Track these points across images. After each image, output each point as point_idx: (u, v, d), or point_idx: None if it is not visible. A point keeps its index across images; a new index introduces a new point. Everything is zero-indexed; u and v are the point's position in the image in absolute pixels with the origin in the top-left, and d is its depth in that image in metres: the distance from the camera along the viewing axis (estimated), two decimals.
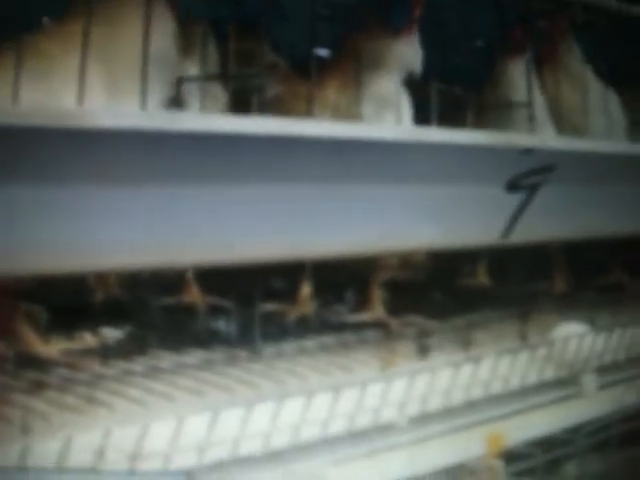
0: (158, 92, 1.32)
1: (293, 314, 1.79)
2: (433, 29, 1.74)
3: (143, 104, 1.22)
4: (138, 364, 1.56)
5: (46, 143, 1.05)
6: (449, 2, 1.72)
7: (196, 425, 1.24)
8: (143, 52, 1.22)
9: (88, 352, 1.53)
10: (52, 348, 1.49)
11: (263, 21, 1.51)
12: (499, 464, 1.60)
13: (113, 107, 1.26)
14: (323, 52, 1.84)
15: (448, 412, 1.60)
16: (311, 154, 1.35)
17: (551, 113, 1.97)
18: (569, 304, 2.22)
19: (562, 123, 1.98)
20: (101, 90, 1.26)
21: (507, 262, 2.21)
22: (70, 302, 1.63)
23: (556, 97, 1.98)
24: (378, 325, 1.88)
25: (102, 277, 1.65)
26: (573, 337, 1.87)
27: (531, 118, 1.78)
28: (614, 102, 2.12)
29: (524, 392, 1.76)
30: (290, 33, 1.65)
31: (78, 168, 1.12)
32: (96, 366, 1.50)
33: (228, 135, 1.21)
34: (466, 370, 1.63)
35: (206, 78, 1.31)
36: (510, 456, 1.66)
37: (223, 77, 1.44)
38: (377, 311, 1.88)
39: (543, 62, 2.00)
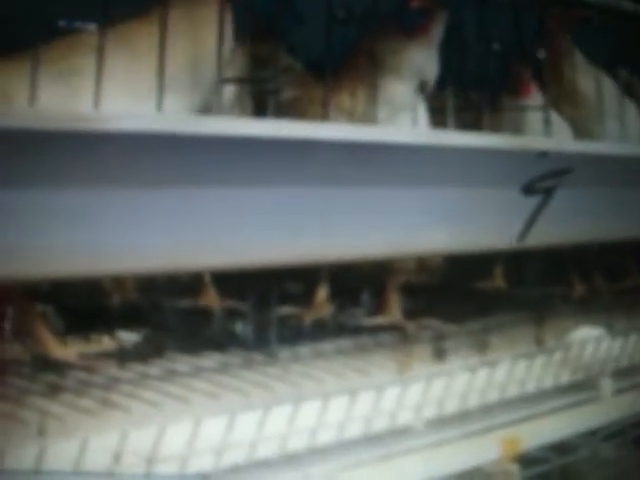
0: (194, 95, 1.33)
1: (309, 317, 1.79)
2: (449, 33, 1.74)
3: (160, 107, 1.23)
4: (155, 367, 1.56)
5: (64, 146, 1.06)
6: (465, 6, 1.72)
7: (212, 428, 1.24)
8: (160, 53, 1.22)
9: (105, 355, 1.53)
10: (69, 351, 1.49)
11: (279, 24, 1.51)
12: (515, 468, 1.59)
13: (129, 110, 1.26)
14: (339, 55, 1.85)
15: (464, 416, 1.60)
16: (327, 157, 1.35)
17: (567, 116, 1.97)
18: (586, 308, 2.21)
19: (578, 126, 1.97)
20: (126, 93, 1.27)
21: (523, 265, 2.21)
22: (87, 305, 1.64)
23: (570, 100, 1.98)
24: (395, 328, 1.87)
25: (119, 280, 1.65)
26: (589, 341, 1.86)
27: (547, 121, 1.78)
28: (630, 104, 2.12)
29: (540, 396, 1.75)
30: (306, 36, 1.65)
31: (95, 171, 1.13)
32: (113, 369, 1.51)
33: (245, 138, 1.22)
34: (482, 374, 1.62)
35: (221, 81, 1.31)
36: (526, 460, 1.66)
37: (240, 80, 1.44)
38: (394, 314, 1.88)
39: (558, 64, 1.99)
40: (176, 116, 1.26)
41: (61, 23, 1.42)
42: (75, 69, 1.25)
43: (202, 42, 1.34)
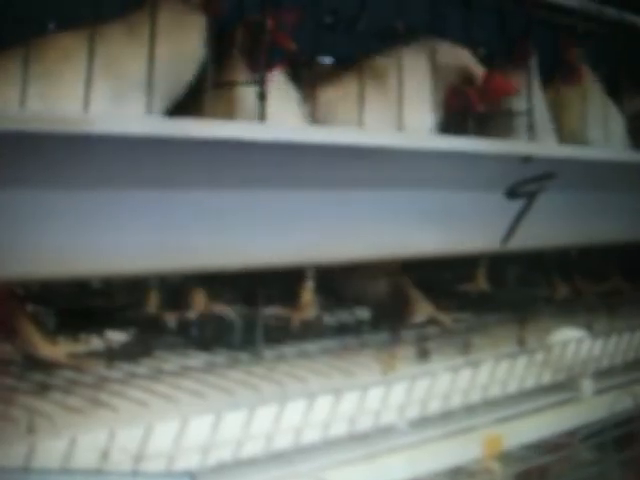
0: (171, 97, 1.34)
1: (295, 318, 1.80)
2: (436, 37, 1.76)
3: (149, 109, 1.24)
4: (142, 366, 1.57)
5: (51, 148, 1.07)
6: (452, 10, 1.74)
7: (199, 427, 1.25)
8: (149, 56, 1.23)
9: (93, 354, 1.54)
10: (58, 350, 1.50)
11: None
12: (497, 467, 1.61)
13: (117, 113, 1.28)
14: (327, 59, 1.86)
15: (447, 415, 1.61)
16: (313, 160, 1.37)
17: (552, 121, 1.98)
18: (567, 310, 2.23)
19: (562, 131, 1.99)
20: (107, 95, 1.28)
21: (507, 267, 2.22)
22: (76, 305, 1.64)
23: (557, 105, 2.00)
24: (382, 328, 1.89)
25: (107, 280, 1.66)
26: (571, 342, 1.88)
27: (531, 126, 1.80)
28: (615, 110, 2.14)
29: (522, 396, 1.77)
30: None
31: (83, 173, 1.14)
32: (101, 368, 1.51)
33: (231, 141, 1.23)
34: (465, 374, 1.64)
35: (215, 86, 1.32)
36: (508, 459, 1.67)
37: (229, 84, 1.45)
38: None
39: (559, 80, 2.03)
40: (164, 120, 1.27)
41: (50, 25, 1.43)
42: (55, 71, 1.26)
43: (183, 45, 1.36)
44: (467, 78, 1.74)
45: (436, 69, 1.68)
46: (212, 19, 1.37)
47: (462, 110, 1.72)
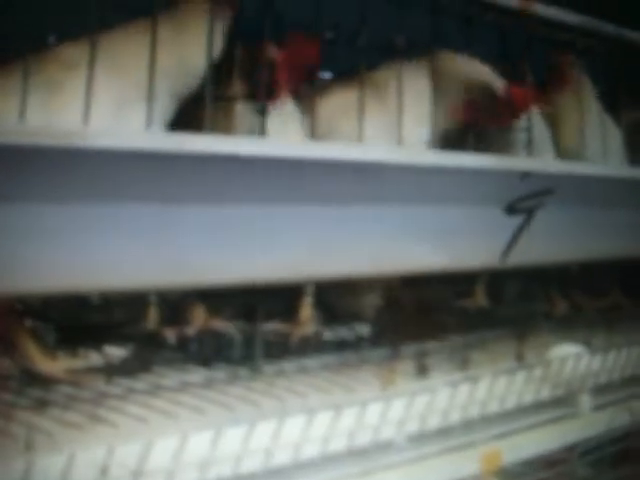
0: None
1: (295, 334, 1.80)
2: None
3: (149, 123, 1.24)
4: (142, 382, 1.57)
5: (50, 161, 1.07)
6: (452, 27, 1.75)
7: (198, 442, 1.25)
8: (150, 72, 1.24)
9: (93, 370, 1.55)
10: (57, 366, 1.50)
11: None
12: None
13: (117, 127, 1.28)
14: (327, 74, 1.87)
15: (446, 431, 1.61)
16: (313, 176, 1.37)
17: (551, 137, 2.00)
18: (566, 325, 2.24)
19: (560, 147, 2.00)
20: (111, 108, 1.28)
21: (505, 283, 2.23)
22: (75, 320, 1.65)
23: (556, 121, 2.01)
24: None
25: (107, 296, 1.67)
26: (569, 358, 1.88)
27: (530, 142, 1.81)
28: (612, 126, 2.15)
29: (520, 412, 1.77)
30: None
31: (81, 187, 1.14)
32: (100, 384, 1.52)
33: (230, 156, 1.23)
34: (464, 390, 1.64)
35: (217, 99, 1.33)
36: (507, 474, 1.68)
37: (230, 99, 1.46)
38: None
39: (548, 87, 2.03)
40: (164, 134, 1.28)
41: (50, 38, 1.44)
42: (57, 83, 1.27)
43: (186, 57, 1.37)
44: (488, 92, 1.74)
45: (446, 82, 1.69)
46: (227, 21, 1.37)
47: (480, 124, 1.73)
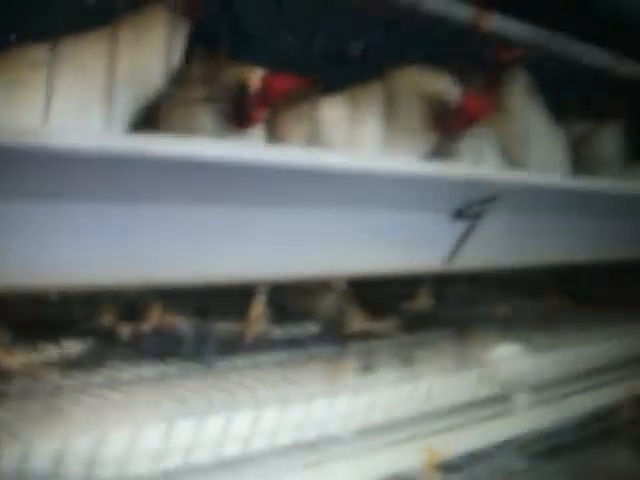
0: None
1: (246, 331, 1.83)
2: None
3: (108, 124, 1.27)
4: (97, 376, 1.59)
5: (9, 159, 1.09)
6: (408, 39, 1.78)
7: (151, 434, 1.30)
8: (109, 72, 1.27)
9: (49, 364, 1.56)
10: (14, 359, 1.52)
11: (225, 43, 1.55)
12: (436, 475, 1.68)
13: (76, 127, 1.30)
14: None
15: (390, 425, 1.68)
16: (268, 179, 1.41)
17: (497, 146, 2.05)
18: (507, 327, 2.29)
19: (506, 156, 2.06)
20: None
21: (450, 286, 2.28)
22: (32, 316, 1.66)
23: (501, 131, 2.06)
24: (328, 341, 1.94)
25: (64, 292, 1.68)
26: (508, 358, 1.96)
27: (476, 151, 1.87)
28: (558, 137, 2.21)
29: (461, 408, 1.85)
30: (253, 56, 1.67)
31: (42, 185, 1.17)
32: (56, 377, 1.53)
33: (187, 159, 1.26)
34: (407, 387, 1.71)
35: (179, 102, 1.35)
36: (447, 468, 1.74)
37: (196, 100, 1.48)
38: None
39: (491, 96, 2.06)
40: (123, 135, 1.30)
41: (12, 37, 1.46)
42: (19, 82, 1.28)
43: (146, 61, 1.40)
44: (442, 103, 1.77)
45: (402, 95, 1.73)
46: (188, 25, 1.39)
47: (441, 134, 1.75)
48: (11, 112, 1.26)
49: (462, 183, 1.75)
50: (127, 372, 1.63)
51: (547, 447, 2.03)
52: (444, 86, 1.79)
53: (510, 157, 2.05)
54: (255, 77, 1.46)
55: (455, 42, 1.77)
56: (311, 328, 1.95)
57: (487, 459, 1.90)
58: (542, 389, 2.07)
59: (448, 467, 1.76)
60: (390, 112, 1.73)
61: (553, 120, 2.20)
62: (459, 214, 1.80)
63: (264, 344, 1.83)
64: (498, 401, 1.96)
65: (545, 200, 2.03)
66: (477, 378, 1.90)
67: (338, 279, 1.85)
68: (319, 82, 1.55)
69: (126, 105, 1.37)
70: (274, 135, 1.57)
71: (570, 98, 2.22)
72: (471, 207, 1.80)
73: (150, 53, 1.38)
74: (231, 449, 1.41)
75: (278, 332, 1.87)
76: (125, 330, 1.71)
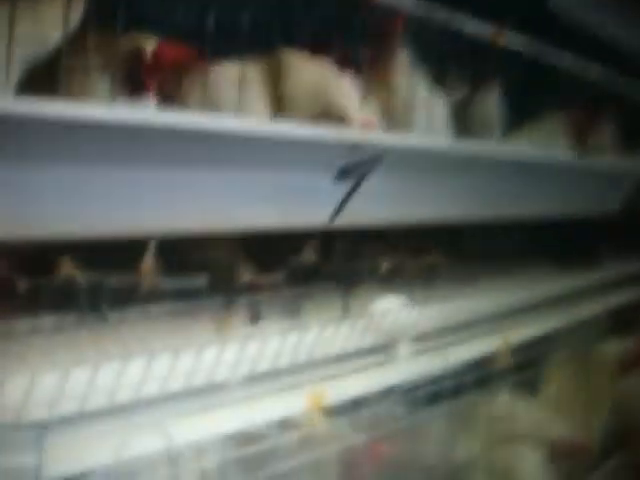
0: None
1: (138, 284, 1.87)
2: None
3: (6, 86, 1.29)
4: None
5: None
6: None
7: (48, 382, 1.35)
8: (9, 33, 1.28)
9: None
10: None
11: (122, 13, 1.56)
12: (319, 418, 1.78)
13: None
14: None
15: (276, 373, 1.76)
16: (159, 142, 1.46)
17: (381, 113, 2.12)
18: (390, 281, 2.40)
19: (391, 123, 2.14)
20: None
21: (337, 243, 2.37)
22: None
23: (385, 98, 2.14)
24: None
25: None
26: (391, 309, 2.06)
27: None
28: (440, 103, 2.31)
29: (344, 357, 1.95)
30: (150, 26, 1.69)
31: None
32: None
33: (83, 122, 1.28)
34: (293, 337, 1.79)
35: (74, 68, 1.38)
36: (330, 413, 1.84)
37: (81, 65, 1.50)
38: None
39: (373, 65, 2.13)
40: (13, 97, 1.29)
41: None
42: None
43: (41, 25, 1.39)
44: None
45: None
46: None
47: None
48: None
49: (348, 146, 1.84)
50: (24, 323, 1.66)
51: (428, 394, 2.15)
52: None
53: (394, 123, 2.13)
54: (149, 46, 1.50)
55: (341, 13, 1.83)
56: (201, 281, 2.01)
57: (371, 405, 2.00)
58: (423, 339, 2.19)
59: (333, 412, 1.85)
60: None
61: (435, 87, 2.29)
62: (344, 174, 1.89)
63: (156, 296, 1.87)
64: (381, 350, 2.07)
65: (426, 162, 2.14)
66: (361, 329, 1.99)
67: (228, 234, 1.91)
68: (210, 53, 1.59)
69: (18, 68, 1.36)
70: (172, 103, 1.60)
71: (452, 66, 2.32)
72: (356, 168, 1.90)
73: (46, 18, 1.38)
74: (124, 395, 1.46)
75: (169, 284, 1.92)
76: (21, 283, 1.73)
